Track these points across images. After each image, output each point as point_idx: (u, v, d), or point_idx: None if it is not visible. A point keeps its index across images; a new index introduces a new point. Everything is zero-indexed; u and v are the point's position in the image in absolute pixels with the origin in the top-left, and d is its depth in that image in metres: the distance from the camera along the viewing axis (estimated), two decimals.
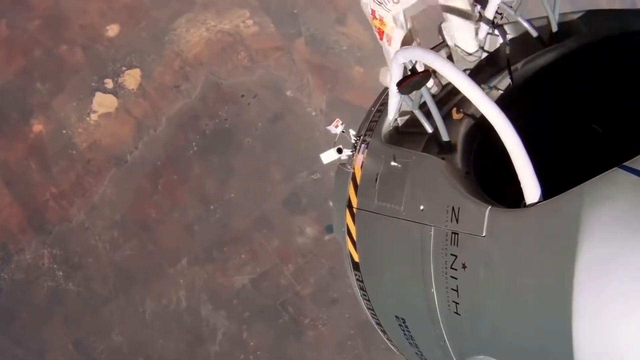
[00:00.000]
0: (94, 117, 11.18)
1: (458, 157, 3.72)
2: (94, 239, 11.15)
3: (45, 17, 11.64)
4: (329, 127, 5.27)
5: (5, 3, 11.77)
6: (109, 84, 11.17)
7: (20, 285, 11.44)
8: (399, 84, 3.89)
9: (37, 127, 11.40)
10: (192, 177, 10.93)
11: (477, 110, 3.51)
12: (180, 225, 10.93)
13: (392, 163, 4.12)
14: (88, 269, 11.19)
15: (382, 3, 4.72)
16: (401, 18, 4.87)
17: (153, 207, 11.01)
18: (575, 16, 4.55)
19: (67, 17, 11.62)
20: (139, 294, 11.05)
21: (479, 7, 4.71)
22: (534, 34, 4.64)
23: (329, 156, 5.11)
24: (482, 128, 3.70)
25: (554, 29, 4.51)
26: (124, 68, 11.17)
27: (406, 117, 4.72)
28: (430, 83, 4.55)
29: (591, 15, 4.46)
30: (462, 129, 3.91)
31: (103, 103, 11.14)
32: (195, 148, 10.95)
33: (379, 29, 5.95)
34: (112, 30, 11.36)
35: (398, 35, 4.98)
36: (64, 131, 11.26)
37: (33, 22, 11.65)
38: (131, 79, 11.13)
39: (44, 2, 11.71)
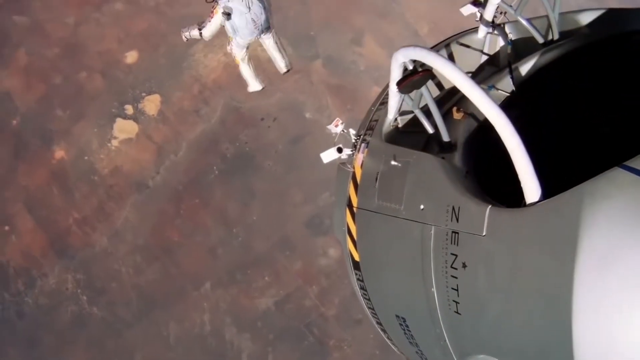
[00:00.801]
0: (115, 143, 11.29)
1: (458, 156, 3.74)
2: (117, 264, 11.22)
3: (64, 45, 11.81)
4: (329, 127, 5.35)
5: (24, 32, 11.95)
6: (129, 109, 11.29)
7: (43, 310, 11.51)
8: (398, 84, 3.94)
9: (59, 153, 11.53)
10: (213, 201, 11.00)
11: (477, 109, 3.53)
12: (203, 249, 10.99)
13: (393, 162, 4.15)
14: (112, 294, 11.25)
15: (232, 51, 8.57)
16: (245, 59, 8.64)
17: (175, 231, 11.08)
18: (577, 15, 4.56)
19: (85, 45, 11.78)
20: (163, 318, 11.09)
21: (478, 7, 4.77)
22: (535, 33, 4.67)
23: (329, 155, 5.17)
24: (482, 127, 3.72)
25: (554, 29, 4.53)
26: (143, 94, 11.28)
27: (406, 117, 4.76)
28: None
29: (593, 15, 4.49)
30: (463, 129, 3.95)
31: (124, 129, 11.25)
32: (217, 172, 11.02)
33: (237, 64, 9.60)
34: (131, 56, 11.49)
35: (243, 67, 8.84)
36: (86, 157, 11.37)
37: (52, 49, 11.81)
38: (151, 104, 11.24)
39: (61, 30, 11.87)
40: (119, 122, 11.28)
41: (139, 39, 11.49)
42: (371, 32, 10.94)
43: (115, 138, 11.28)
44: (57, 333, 11.45)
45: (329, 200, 10.72)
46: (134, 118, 11.23)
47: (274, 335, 10.80)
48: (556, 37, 4.53)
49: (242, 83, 11.14)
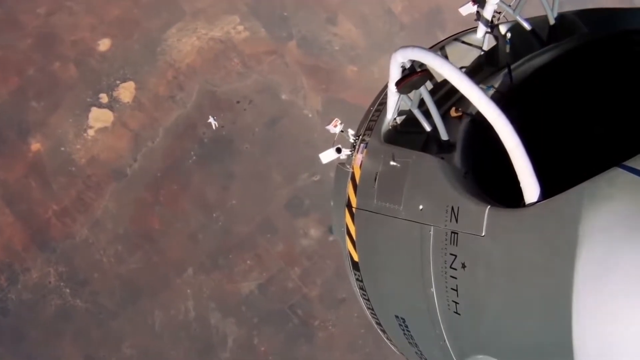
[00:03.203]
0: (91, 132, 11.19)
1: (457, 156, 3.71)
2: (98, 254, 11.15)
3: (37, 35, 11.65)
4: (328, 127, 5.27)
5: None
6: (104, 98, 11.18)
7: (28, 305, 11.43)
8: (397, 84, 3.89)
9: (35, 145, 11.41)
10: (192, 186, 10.94)
11: (476, 109, 3.51)
12: (183, 235, 10.94)
13: (392, 162, 4.12)
14: (94, 284, 11.19)
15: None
16: None
17: (155, 219, 11.02)
18: (575, 15, 4.55)
19: (58, 34, 11.63)
20: (147, 306, 11.05)
21: (477, 6, 4.71)
22: (533, 33, 4.63)
23: (328, 156, 5.10)
24: (481, 127, 3.67)
25: (552, 28, 4.49)
26: (117, 81, 11.17)
27: (405, 117, 4.69)
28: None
29: (591, 15, 4.49)
30: (461, 128, 3.91)
31: (99, 118, 11.15)
32: (194, 157, 10.96)
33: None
34: (104, 44, 11.36)
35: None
36: (62, 148, 11.26)
37: (25, 40, 11.65)
38: (126, 92, 11.13)
39: (34, 20, 11.71)
40: (94, 111, 11.17)
41: (112, 26, 11.36)
42: (345, 11, 10.89)
43: (91, 127, 11.18)
44: (43, 327, 11.39)
45: (308, 180, 10.69)
46: (109, 106, 11.13)
47: (258, 318, 10.80)
48: (554, 37, 4.51)
49: (216, 66, 11.12)
